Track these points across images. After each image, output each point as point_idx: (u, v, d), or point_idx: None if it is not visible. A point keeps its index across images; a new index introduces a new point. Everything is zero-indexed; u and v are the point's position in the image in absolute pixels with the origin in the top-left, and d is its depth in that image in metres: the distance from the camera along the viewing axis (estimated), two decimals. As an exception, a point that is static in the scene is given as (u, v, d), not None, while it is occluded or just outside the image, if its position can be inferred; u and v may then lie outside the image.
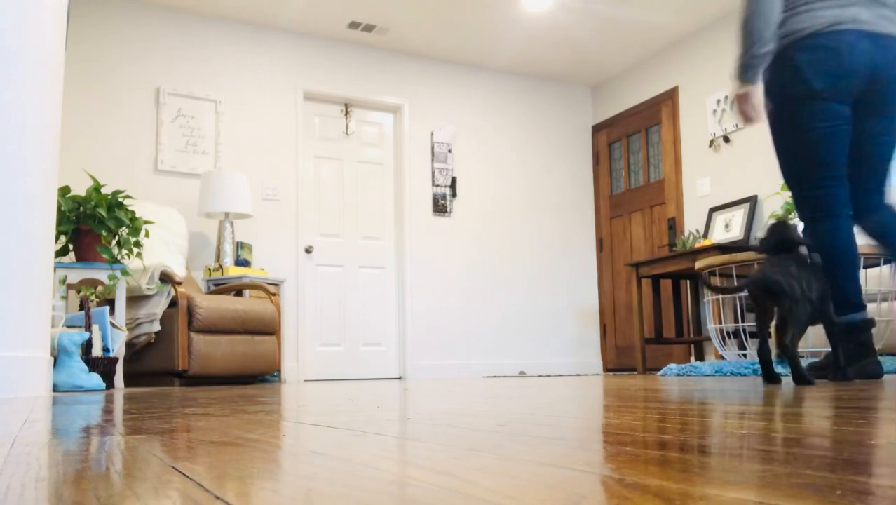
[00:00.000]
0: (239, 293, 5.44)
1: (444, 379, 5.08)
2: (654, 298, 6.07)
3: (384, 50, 6.68)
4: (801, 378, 2.17)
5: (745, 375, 3.68)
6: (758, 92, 2.40)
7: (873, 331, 2.46)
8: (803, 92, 2.37)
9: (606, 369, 7.29)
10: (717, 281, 4.89)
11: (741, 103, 2.44)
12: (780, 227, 2.35)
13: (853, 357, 2.36)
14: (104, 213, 4.13)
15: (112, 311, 4.36)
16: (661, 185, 6.81)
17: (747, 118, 2.44)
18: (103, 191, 5.23)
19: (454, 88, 6.96)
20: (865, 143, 2.44)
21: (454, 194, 6.80)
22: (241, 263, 5.58)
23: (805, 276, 2.19)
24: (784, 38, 2.40)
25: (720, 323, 4.82)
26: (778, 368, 3.08)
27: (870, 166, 2.46)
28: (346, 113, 6.57)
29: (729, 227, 5.98)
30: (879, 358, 2.97)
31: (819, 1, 2.35)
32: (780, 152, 2.50)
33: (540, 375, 5.93)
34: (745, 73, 2.41)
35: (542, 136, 7.33)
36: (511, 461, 0.63)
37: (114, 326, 4.21)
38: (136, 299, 4.71)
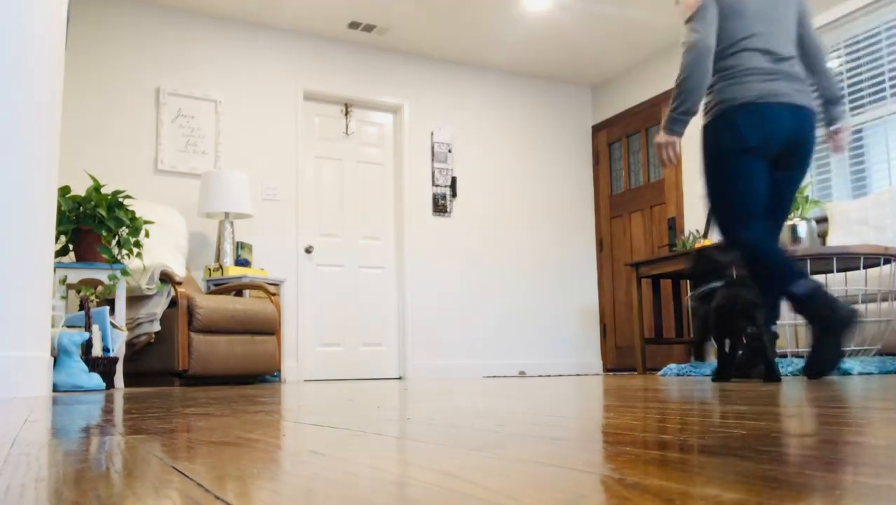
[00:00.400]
0: (239, 293, 5.44)
1: (443, 379, 5.08)
2: (654, 298, 6.07)
3: (384, 50, 6.68)
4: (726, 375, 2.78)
5: (745, 375, 3.68)
6: (678, 143, 2.91)
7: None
8: (741, 146, 2.85)
9: (606, 369, 7.29)
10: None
11: (664, 150, 2.94)
12: (706, 254, 2.87)
13: (827, 339, 2.70)
14: (104, 213, 4.13)
15: (112, 311, 4.36)
16: (661, 185, 6.82)
17: (667, 162, 2.95)
18: (103, 191, 5.23)
19: (454, 88, 6.96)
20: (779, 188, 2.98)
21: (454, 194, 6.80)
22: (241, 263, 5.58)
23: None
24: (721, 103, 2.88)
25: (720, 323, 4.81)
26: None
27: (780, 207, 3.02)
28: (346, 113, 6.57)
29: (729, 227, 5.98)
30: (880, 357, 3.09)
31: (750, 76, 2.85)
32: (715, 191, 2.95)
33: (540, 375, 5.93)
34: (674, 125, 2.90)
35: (543, 136, 7.33)
36: (511, 461, 0.63)
37: (114, 326, 4.21)
38: (136, 299, 4.71)
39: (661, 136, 2.93)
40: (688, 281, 2.82)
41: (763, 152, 2.85)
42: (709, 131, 2.94)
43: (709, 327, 2.76)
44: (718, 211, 2.95)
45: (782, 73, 2.87)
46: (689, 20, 2.89)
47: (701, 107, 2.96)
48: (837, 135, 3.05)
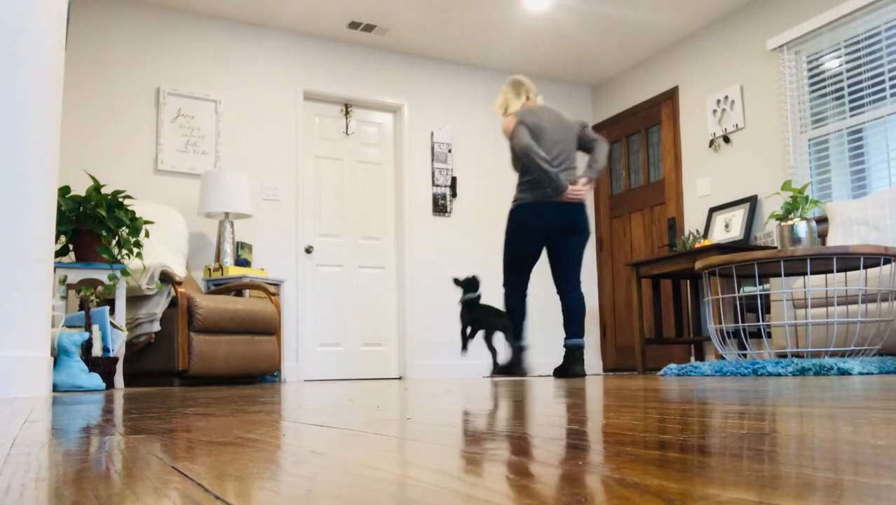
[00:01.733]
0: (239, 293, 5.44)
1: (444, 379, 5.07)
2: (654, 298, 6.07)
3: (384, 50, 6.68)
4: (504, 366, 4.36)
5: (745, 374, 3.68)
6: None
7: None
8: (524, 229, 4.31)
9: (606, 369, 7.29)
10: (717, 280, 4.89)
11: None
12: (473, 280, 4.43)
13: (516, 362, 4.33)
14: (104, 213, 4.13)
15: (112, 311, 4.36)
16: (661, 185, 6.82)
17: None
18: (103, 191, 5.23)
19: (454, 88, 6.96)
20: (565, 253, 4.37)
21: (454, 194, 6.80)
22: (241, 263, 5.58)
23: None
24: (518, 200, 4.31)
25: (720, 323, 4.82)
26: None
27: (569, 266, 4.38)
28: (346, 113, 6.57)
29: (729, 228, 5.98)
30: (880, 357, 3.15)
31: (534, 187, 4.26)
32: (506, 254, 4.38)
33: (540, 376, 5.92)
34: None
35: (542, 136, 7.32)
36: (511, 461, 0.63)
37: (114, 326, 4.21)
38: (136, 299, 4.71)
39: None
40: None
41: (541, 233, 4.30)
42: (510, 216, 4.37)
43: (466, 321, 4.41)
44: (505, 269, 4.40)
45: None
46: (511, 137, 4.27)
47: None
48: (584, 184, 4.29)
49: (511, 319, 4.37)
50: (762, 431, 0.85)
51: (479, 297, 4.43)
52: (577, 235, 4.34)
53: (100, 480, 0.59)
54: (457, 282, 4.42)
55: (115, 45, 5.68)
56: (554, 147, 4.26)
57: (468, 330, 4.44)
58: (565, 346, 4.32)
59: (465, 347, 4.46)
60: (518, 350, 4.33)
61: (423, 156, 6.72)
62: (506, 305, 4.41)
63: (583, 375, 4.22)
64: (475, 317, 4.38)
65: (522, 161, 4.21)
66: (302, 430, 1.03)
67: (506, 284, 4.39)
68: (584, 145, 4.44)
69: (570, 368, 4.26)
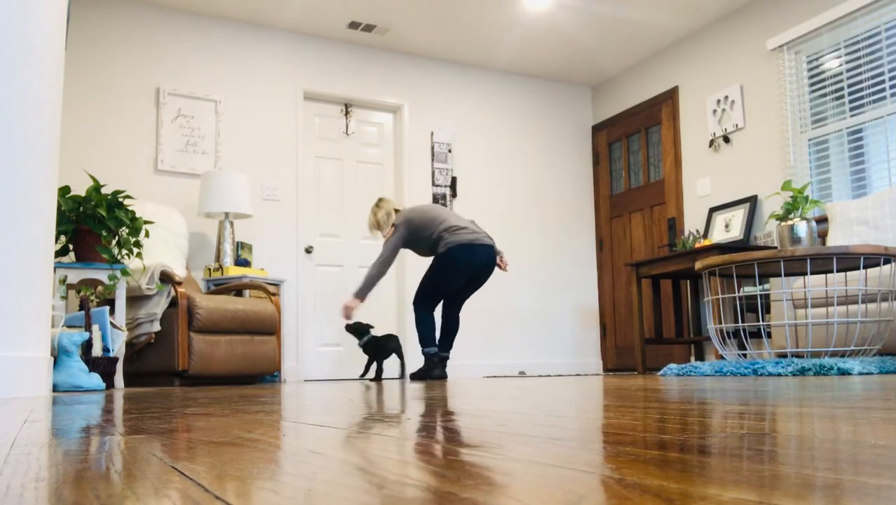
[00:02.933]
0: (239, 293, 5.44)
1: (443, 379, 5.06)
2: (654, 298, 6.07)
3: (384, 50, 6.68)
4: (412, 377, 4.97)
5: (745, 375, 3.68)
6: (359, 304, 4.80)
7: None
8: (455, 266, 4.80)
9: (606, 369, 7.29)
10: (717, 280, 4.89)
11: (347, 309, 4.79)
12: (361, 325, 5.00)
13: (432, 367, 4.86)
14: (104, 214, 4.12)
15: (112, 311, 4.36)
16: (661, 185, 6.82)
17: (348, 316, 4.81)
18: (103, 191, 5.23)
19: (454, 88, 6.96)
20: (471, 288, 5.01)
21: (454, 194, 6.79)
22: (241, 263, 5.58)
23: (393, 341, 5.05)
24: (450, 243, 4.78)
25: (720, 323, 4.82)
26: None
27: (466, 295, 5.05)
28: (346, 113, 6.57)
29: (729, 228, 5.98)
30: (880, 357, 3.16)
31: (462, 231, 4.82)
32: (430, 280, 4.87)
33: (540, 375, 5.92)
34: (363, 293, 4.75)
35: (542, 136, 7.33)
36: (511, 461, 0.63)
37: (114, 326, 4.21)
38: (136, 299, 4.71)
39: (350, 301, 4.77)
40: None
41: (467, 270, 4.83)
42: (442, 256, 4.81)
43: (372, 357, 4.99)
44: (422, 290, 4.89)
45: (472, 230, 4.90)
46: (385, 244, 4.88)
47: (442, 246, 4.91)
48: (501, 259, 5.07)
49: (427, 327, 4.96)
50: (762, 431, 0.85)
51: (373, 337, 5.01)
52: (485, 277, 5.01)
53: (100, 480, 0.59)
54: (348, 328, 4.99)
55: (115, 45, 5.68)
56: (449, 217, 4.93)
57: (373, 363, 5.07)
58: (440, 355, 4.94)
59: (365, 375, 5.14)
60: (430, 357, 4.90)
61: (423, 156, 6.72)
62: (418, 321, 4.90)
63: (445, 377, 4.94)
64: (378, 351, 5.00)
65: (423, 247, 4.93)
66: (302, 430, 1.03)
67: (420, 309, 4.90)
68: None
69: (433, 371, 4.88)
